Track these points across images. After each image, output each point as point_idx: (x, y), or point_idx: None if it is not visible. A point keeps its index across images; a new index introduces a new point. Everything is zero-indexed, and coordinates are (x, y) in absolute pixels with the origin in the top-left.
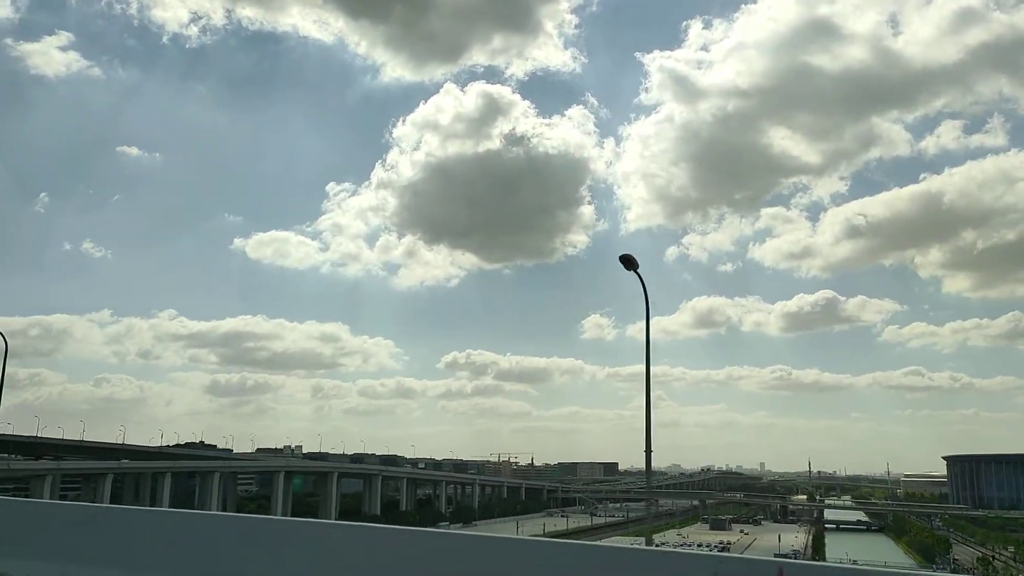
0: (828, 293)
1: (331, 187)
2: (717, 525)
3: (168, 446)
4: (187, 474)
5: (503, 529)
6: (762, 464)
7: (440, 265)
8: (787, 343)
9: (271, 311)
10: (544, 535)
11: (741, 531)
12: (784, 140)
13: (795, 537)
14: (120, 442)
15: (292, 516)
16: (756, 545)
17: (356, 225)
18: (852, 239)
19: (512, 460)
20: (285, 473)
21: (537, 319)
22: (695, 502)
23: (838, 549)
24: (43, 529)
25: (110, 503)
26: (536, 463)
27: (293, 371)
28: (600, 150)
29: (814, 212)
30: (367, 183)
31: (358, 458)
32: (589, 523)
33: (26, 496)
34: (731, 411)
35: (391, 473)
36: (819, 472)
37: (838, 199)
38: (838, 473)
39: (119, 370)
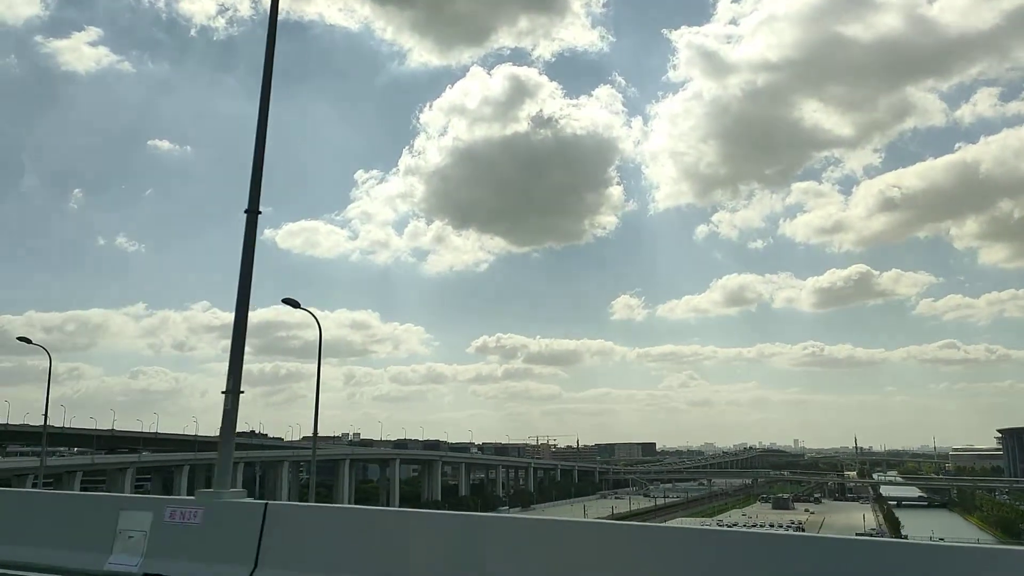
0: (861, 267)
1: (359, 175)
2: (780, 504)
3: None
4: (245, 463)
5: (562, 512)
6: (796, 441)
7: (469, 250)
8: (819, 319)
9: (302, 300)
10: (612, 517)
11: (806, 510)
12: (816, 113)
13: (875, 516)
14: (194, 433)
15: (356, 503)
16: (828, 524)
17: (385, 212)
18: (886, 212)
19: (551, 442)
20: (350, 461)
21: (567, 302)
22: (747, 481)
23: (913, 527)
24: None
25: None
26: (576, 445)
27: (325, 359)
28: (628, 129)
29: (847, 186)
30: (395, 170)
31: (402, 444)
32: (652, 504)
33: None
34: (763, 388)
35: (450, 459)
36: (859, 448)
37: (871, 171)
38: (875, 448)
39: (154, 362)
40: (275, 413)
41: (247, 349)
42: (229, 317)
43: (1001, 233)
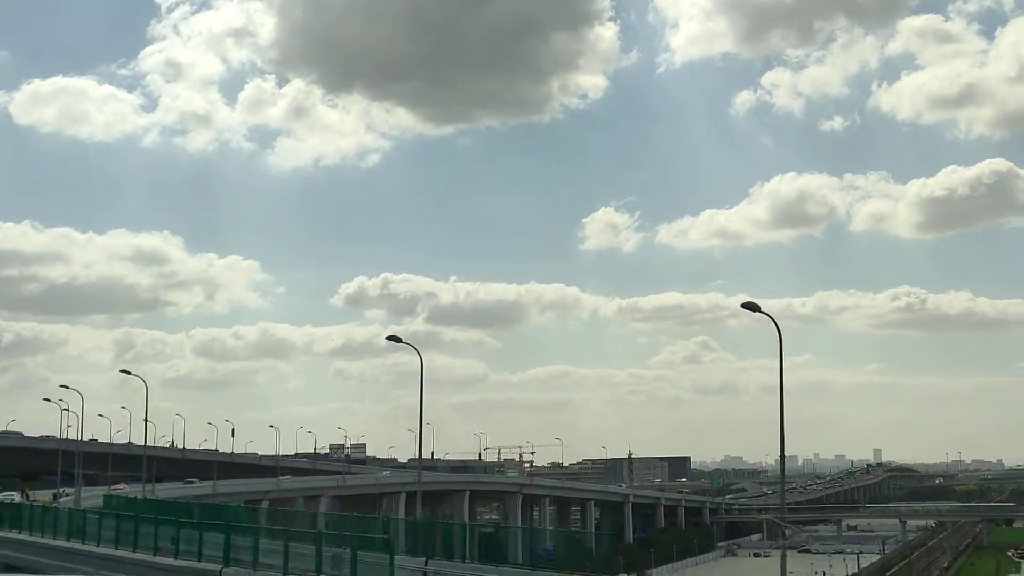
0: (999, 163)
1: None
2: None
3: None
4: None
5: None
6: (877, 451)
7: (349, 130)
8: (925, 250)
9: (49, 214)
10: None
11: None
12: None
13: None
14: None
15: None
16: None
17: (205, 63)
18: None
19: (525, 458)
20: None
21: (508, 219)
22: (930, 523)
23: None
24: None
25: None
26: (563, 460)
27: (84, 316)
28: None
29: (988, 24)
30: None
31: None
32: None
33: None
34: (822, 365)
35: (534, 490)
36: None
37: None
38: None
39: None
40: None
41: None
42: None
43: None
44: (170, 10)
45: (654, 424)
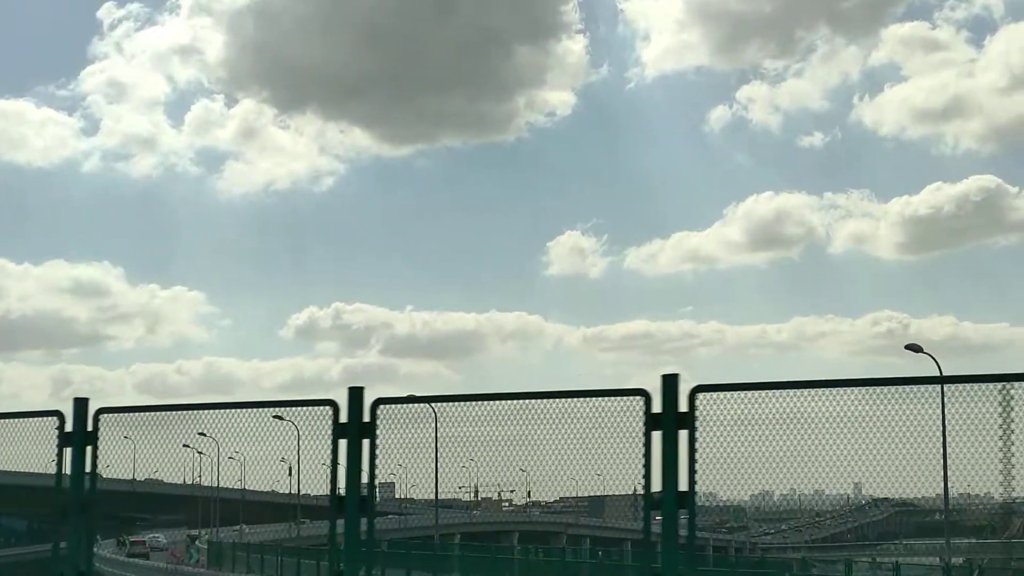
0: (988, 180)
1: (106, 11)
2: None
3: None
4: None
5: None
6: (857, 486)
7: (303, 152)
8: (907, 272)
9: None
10: None
11: None
12: None
13: None
14: None
15: None
16: None
17: (150, 83)
18: None
19: (504, 496)
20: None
21: (468, 244)
22: (955, 560)
23: None
24: None
25: None
26: (541, 498)
27: (19, 352)
28: None
29: (978, 31)
30: (172, 3)
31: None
32: None
33: None
34: (798, 395)
35: (577, 531)
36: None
37: (1020, 9)
38: (991, 495)
39: None
40: None
41: None
42: None
43: None
44: (112, 27)
45: (621, 459)
